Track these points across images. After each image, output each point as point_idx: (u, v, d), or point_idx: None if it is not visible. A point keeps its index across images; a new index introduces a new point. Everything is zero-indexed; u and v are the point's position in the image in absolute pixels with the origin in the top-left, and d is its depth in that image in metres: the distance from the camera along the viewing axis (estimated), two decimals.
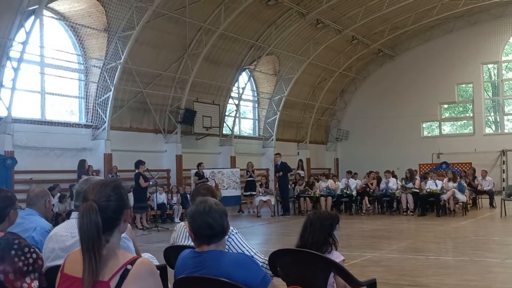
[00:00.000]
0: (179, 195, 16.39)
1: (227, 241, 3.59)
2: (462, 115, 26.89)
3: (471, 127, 26.08)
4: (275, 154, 18.60)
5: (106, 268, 2.13)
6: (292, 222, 14.79)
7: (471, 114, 26.07)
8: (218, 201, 2.86)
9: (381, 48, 25.71)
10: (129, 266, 2.14)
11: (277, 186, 18.14)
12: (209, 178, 17.31)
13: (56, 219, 12.49)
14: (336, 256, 3.65)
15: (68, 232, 3.30)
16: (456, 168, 21.48)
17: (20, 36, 13.59)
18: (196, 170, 17.45)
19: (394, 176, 17.26)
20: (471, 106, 26.17)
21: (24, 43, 13.54)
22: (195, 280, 2.74)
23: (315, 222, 3.76)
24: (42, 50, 14.96)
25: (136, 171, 14.47)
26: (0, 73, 13.55)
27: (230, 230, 3.61)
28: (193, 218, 2.75)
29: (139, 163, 14.50)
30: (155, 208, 15.33)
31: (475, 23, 25.17)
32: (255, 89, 23.89)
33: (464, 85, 26.41)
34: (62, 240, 3.28)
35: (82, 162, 14.28)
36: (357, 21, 21.77)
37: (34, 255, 3.21)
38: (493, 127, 26.72)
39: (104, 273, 2.12)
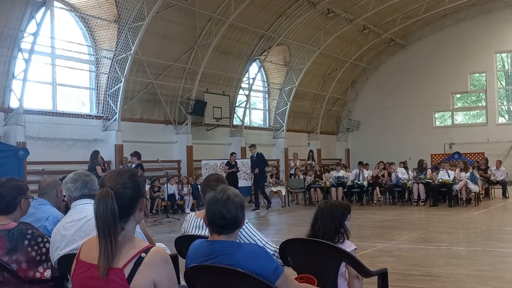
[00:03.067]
0: (189, 185, 16.45)
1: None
2: (475, 105, 26.63)
3: (484, 117, 25.82)
4: (249, 146, 17.46)
5: (121, 255, 2.14)
6: (303, 212, 14.79)
7: (484, 104, 25.81)
8: (238, 193, 2.81)
9: (393, 37, 25.48)
10: (143, 254, 2.15)
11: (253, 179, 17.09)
12: (239, 168, 16.85)
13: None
14: (348, 246, 3.62)
15: (71, 220, 3.33)
16: (468, 158, 21.30)
17: (31, 27, 13.67)
18: (228, 160, 16.82)
19: (405, 167, 17.15)
20: (484, 95, 25.90)
21: (35, 35, 13.60)
22: (206, 268, 2.73)
23: (326, 213, 3.72)
24: (53, 41, 15.01)
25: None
26: (12, 65, 13.65)
27: None
28: (209, 204, 2.75)
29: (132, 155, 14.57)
30: (166, 198, 15.41)
31: (488, 12, 24.84)
32: (265, 80, 23.83)
33: (477, 75, 26.13)
34: (68, 227, 3.31)
35: (95, 153, 14.30)
36: (369, 10, 21.58)
37: (47, 245, 3.24)
38: (506, 116, 26.44)
39: (119, 260, 2.14)
